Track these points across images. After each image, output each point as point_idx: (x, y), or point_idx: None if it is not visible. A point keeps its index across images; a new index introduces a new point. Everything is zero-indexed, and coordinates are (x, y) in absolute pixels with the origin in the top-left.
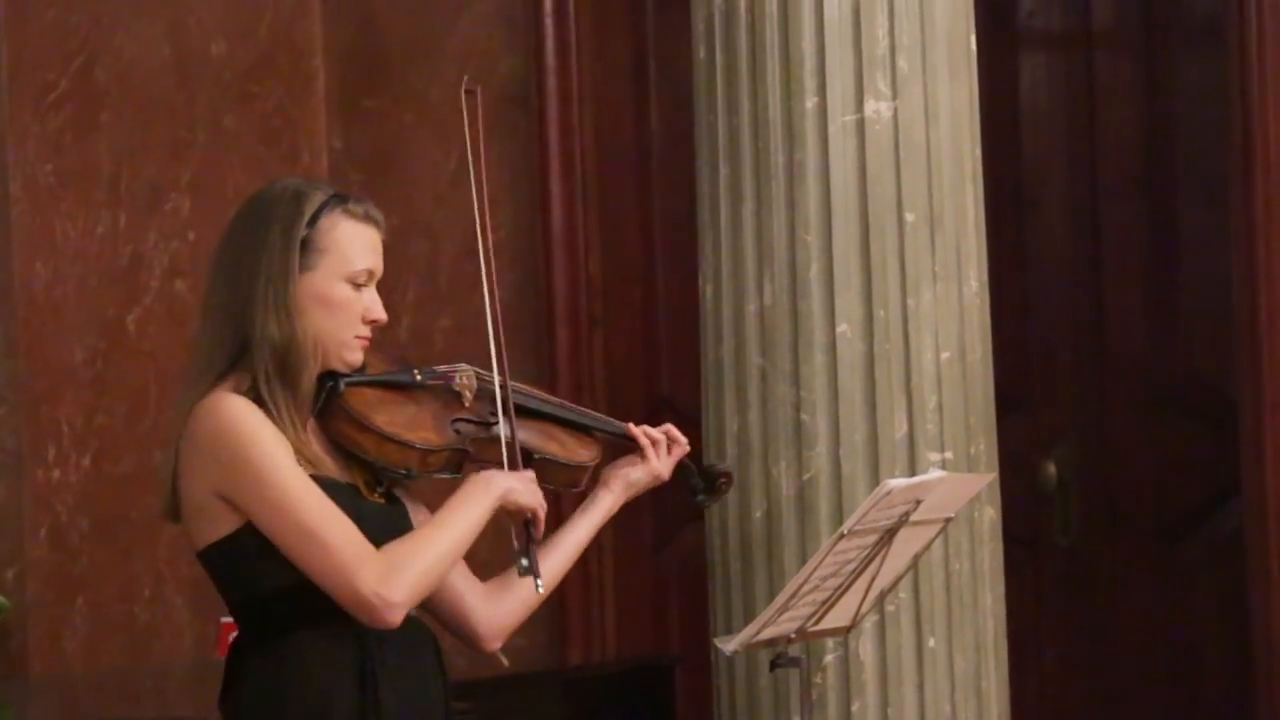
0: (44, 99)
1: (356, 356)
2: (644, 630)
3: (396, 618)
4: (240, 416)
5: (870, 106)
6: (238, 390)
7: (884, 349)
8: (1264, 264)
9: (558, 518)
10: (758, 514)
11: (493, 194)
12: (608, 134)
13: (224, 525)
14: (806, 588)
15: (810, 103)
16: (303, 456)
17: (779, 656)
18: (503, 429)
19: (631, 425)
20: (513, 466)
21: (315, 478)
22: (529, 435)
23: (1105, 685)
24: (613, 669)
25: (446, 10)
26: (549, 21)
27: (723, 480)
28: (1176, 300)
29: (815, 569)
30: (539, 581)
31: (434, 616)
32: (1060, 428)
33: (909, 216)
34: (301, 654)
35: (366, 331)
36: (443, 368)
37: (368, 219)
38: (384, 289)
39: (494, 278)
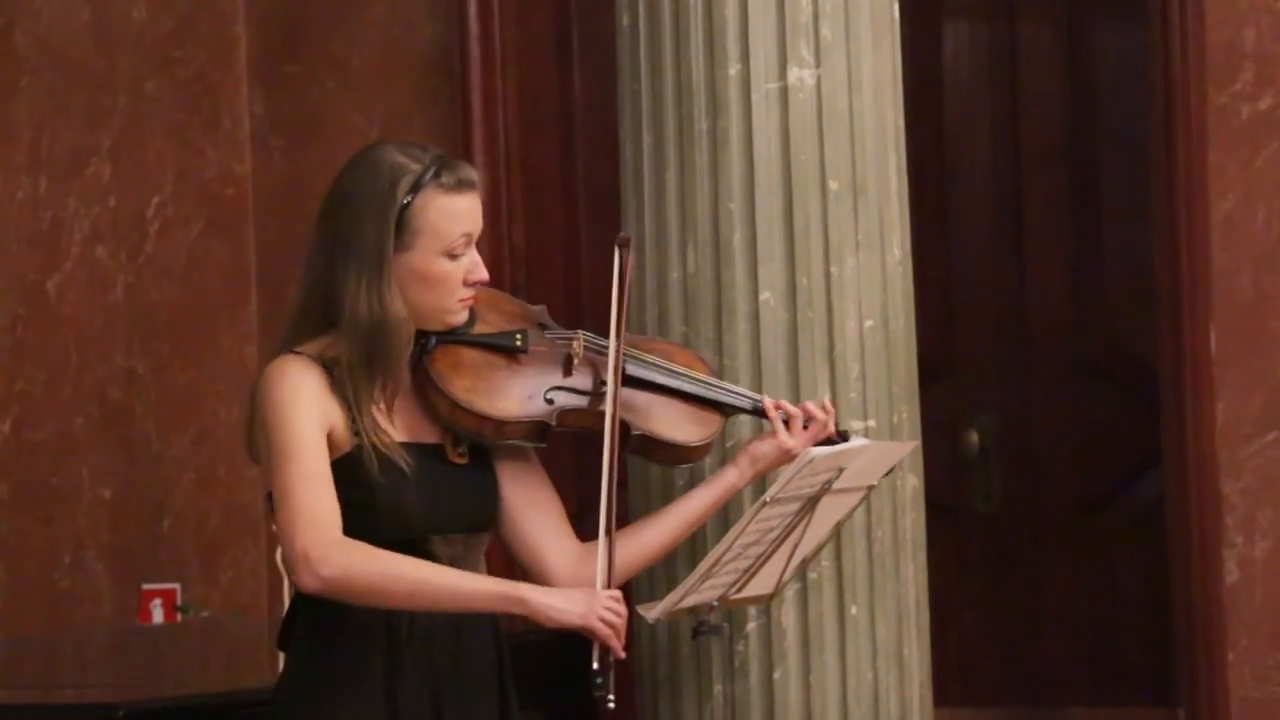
0: None
1: (460, 318)
2: None
3: (310, 585)
4: (284, 380)
5: (793, 74)
6: (324, 355)
7: (807, 317)
8: (1185, 233)
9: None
10: (680, 483)
11: None
12: (531, 101)
13: None
14: (729, 555)
15: (733, 70)
16: (362, 427)
17: (701, 624)
18: (608, 405)
19: (766, 399)
20: (611, 441)
21: (360, 448)
22: (631, 410)
23: (1026, 651)
24: (533, 637)
25: None
26: None
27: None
28: (1099, 269)
29: (738, 537)
30: (611, 699)
31: (522, 570)
32: (982, 396)
33: (832, 185)
34: (338, 612)
35: (469, 294)
36: (554, 334)
37: (460, 187)
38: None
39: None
